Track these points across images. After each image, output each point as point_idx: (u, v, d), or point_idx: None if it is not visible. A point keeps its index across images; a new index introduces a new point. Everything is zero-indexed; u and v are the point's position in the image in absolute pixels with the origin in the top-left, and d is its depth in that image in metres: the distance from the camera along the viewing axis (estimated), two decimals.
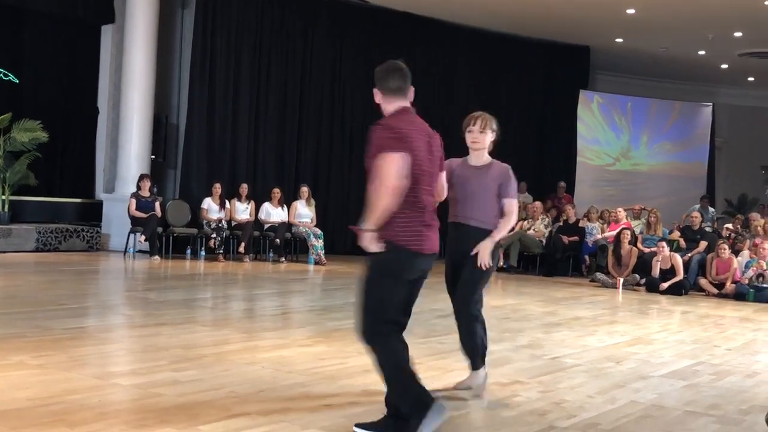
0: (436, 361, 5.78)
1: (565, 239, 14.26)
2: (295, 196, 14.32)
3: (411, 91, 3.94)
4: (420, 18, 16.23)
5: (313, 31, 15.41)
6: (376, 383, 4.95)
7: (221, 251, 13.44)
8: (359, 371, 5.24)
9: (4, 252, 12.20)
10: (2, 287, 8.78)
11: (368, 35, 16.02)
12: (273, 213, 14.00)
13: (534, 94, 18.36)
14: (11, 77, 12.98)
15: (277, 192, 14.07)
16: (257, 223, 13.94)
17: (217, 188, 13.72)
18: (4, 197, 13.03)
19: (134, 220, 13.17)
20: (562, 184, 17.27)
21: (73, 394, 4.36)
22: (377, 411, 4.10)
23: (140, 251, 13.30)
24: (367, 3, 15.61)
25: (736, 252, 12.61)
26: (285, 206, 14.12)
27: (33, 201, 13.75)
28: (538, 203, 15.24)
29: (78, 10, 14.01)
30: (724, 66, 18.97)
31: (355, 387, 4.88)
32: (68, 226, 13.66)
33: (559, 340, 7.19)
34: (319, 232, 13.90)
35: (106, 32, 14.66)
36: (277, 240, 13.70)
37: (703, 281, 12.45)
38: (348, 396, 4.67)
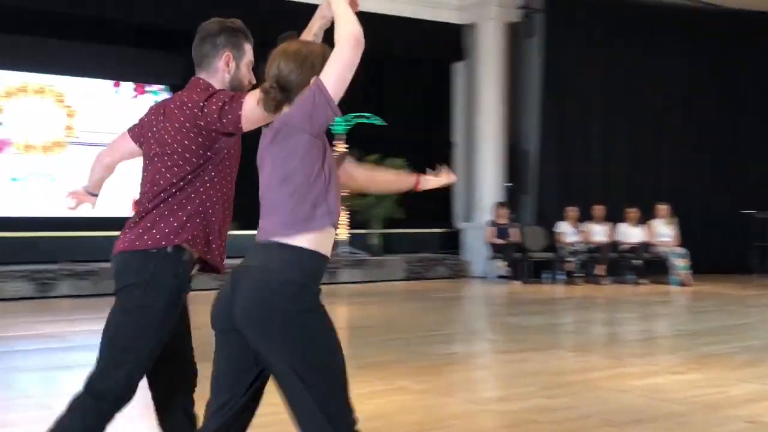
0: None
1: None
2: (654, 215, 13.79)
3: (213, 63, 3.02)
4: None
5: (659, 41, 14.80)
6: (766, 413, 4.59)
7: (580, 274, 13.33)
8: (743, 400, 4.88)
9: (378, 281, 13.09)
10: (379, 315, 9.36)
11: (725, 46, 15.04)
12: (631, 233, 13.60)
13: None
14: (377, 120, 13.91)
15: (633, 211, 13.66)
16: (615, 244, 13.62)
17: (572, 211, 13.65)
18: (377, 231, 14.02)
19: (493, 247, 13.52)
20: None
21: (453, 419, 4.51)
22: None
23: (500, 276, 13.58)
24: (720, 7, 14.69)
25: None
26: (643, 225, 13.66)
27: (400, 233, 14.60)
28: None
29: (430, 52, 14.81)
30: None
31: (739, 418, 4.54)
32: (432, 255, 14.34)
33: None
34: (681, 251, 13.24)
35: (457, 69, 15.32)
36: (637, 261, 13.28)
37: None
38: (733, 427, 4.36)
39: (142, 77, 13.40)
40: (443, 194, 15.29)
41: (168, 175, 2.83)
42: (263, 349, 2.41)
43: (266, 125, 2.68)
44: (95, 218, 12.73)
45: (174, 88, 13.52)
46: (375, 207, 13.85)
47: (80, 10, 11.64)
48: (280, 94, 2.55)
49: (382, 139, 14.26)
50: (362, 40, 2.61)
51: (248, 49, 3.05)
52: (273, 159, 2.59)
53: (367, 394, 5.14)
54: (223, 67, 2.95)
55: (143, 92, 13.48)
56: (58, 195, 12.69)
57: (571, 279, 13.36)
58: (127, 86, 13.35)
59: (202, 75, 2.96)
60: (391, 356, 6.43)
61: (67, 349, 7.03)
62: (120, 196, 13.12)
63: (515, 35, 14.84)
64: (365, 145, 13.82)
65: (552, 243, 13.74)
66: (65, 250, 11.80)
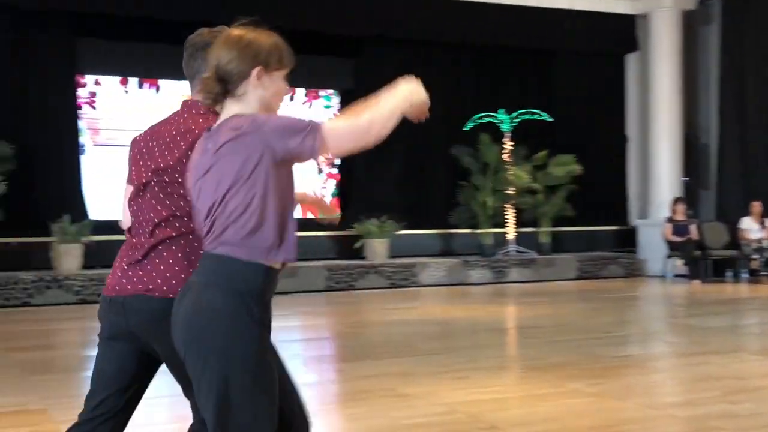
0: None
1: None
2: None
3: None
4: None
5: None
6: None
7: (765, 273, 12.68)
8: None
9: (548, 281, 12.94)
10: (550, 315, 9.24)
11: None
12: (753, 229, 12.83)
13: None
14: (545, 116, 13.76)
15: (757, 204, 12.88)
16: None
17: (756, 206, 12.99)
18: (545, 229, 13.86)
19: (671, 245, 13.06)
20: None
21: (630, 423, 4.40)
22: None
23: (678, 276, 13.11)
24: None
25: None
26: (763, 221, 12.87)
27: (571, 231, 14.38)
28: None
29: (602, 44, 14.51)
30: None
31: None
32: (605, 253, 14.03)
33: None
34: None
35: (630, 61, 14.93)
36: (756, 258, 12.53)
37: None
38: None
39: (314, 83, 13.80)
40: (617, 190, 14.95)
41: None
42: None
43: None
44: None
45: (344, 93, 13.87)
46: (543, 205, 13.69)
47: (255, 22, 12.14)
48: (218, 86, 2.27)
49: (551, 135, 14.09)
50: (382, 137, 2.26)
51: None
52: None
53: (537, 397, 5.12)
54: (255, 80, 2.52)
55: (317, 98, 13.89)
56: None
57: (755, 278, 12.74)
58: (300, 93, 13.79)
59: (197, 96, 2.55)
60: (562, 358, 6.34)
61: None
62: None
63: (691, 24, 14.31)
64: (533, 142, 13.72)
65: (734, 240, 13.13)
66: None
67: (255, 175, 2.17)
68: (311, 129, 2.16)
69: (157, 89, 13.01)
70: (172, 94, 13.04)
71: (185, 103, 2.62)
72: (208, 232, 2.25)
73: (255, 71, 2.26)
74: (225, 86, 2.27)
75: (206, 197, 2.25)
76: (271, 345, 2.30)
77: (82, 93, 12.45)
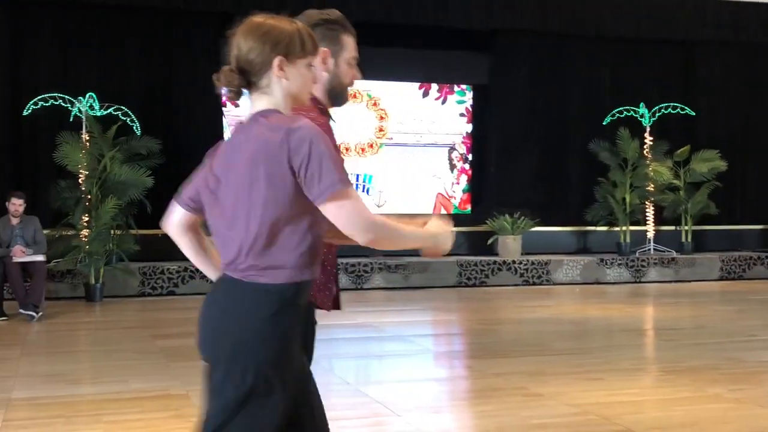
0: None
1: None
2: None
3: None
4: None
5: None
6: None
7: None
8: None
9: (689, 281, 12.53)
10: (691, 317, 8.98)
11: None
12: None
13: None
14: (688, 110, 13.32)
15: None
16: None
17: None
18: (687, 227, 13.42)
19: None
20: None
21: None
22: None
23: None
24: None
25: None
26: None
27: (714, 230, 13.87)
28: None
29: (748, 34, 13.94)
30: None
31: None
32: (751, 253, 13.46)
33: None
34: None
35: None
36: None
37: None
38: None
39: (447, 78, 13.81)
40: (765, 187, 14.32)
41: None
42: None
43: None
44: (404, 214, 13.39)
45: (478, 88, 13.82)
46: (685, 202, 13.25)
47: (391, 19, 12.27)
48: (240, 78, 2.10)
49: (694, 130, 13.65)
50: (374, 244, 2.04)
51: (349, 43, 2.61)
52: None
53: (676, 400, 4.98)
54: (320, 65, 2.48)
55: (452, 93, 13.89)
56: (373, 192, 13.48)
57: None
58: (434, 88, 13.82)
59: None
60: (704, 361, 6.14)
61: (380, 339, 7.47)
62: (423, 193, 13.68)
63: None
64: (674, 136, 13.31)
65: None
66: None
67: (287, 201, 2.01)
68: (333, 182, 1.98)
69: None
70: None
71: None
72: (239, 248, 2.06)
73: (276, 61, 2.09)
74: (247, 78, 2.11)
75: (234, 204, 2.08)
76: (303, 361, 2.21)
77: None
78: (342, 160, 2.09)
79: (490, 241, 12.59)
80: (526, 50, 13.45)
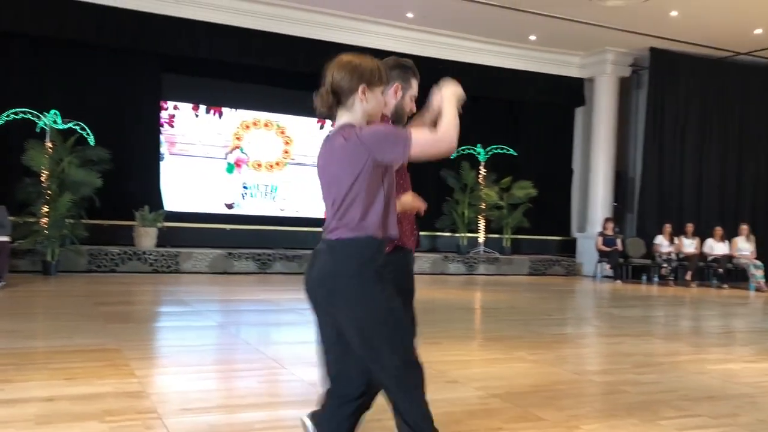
0: None
1: None
2: (736, 233, 12.86)
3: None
4: None
5: (750, 93, 13.78)
6: None
7: (671, 278, 12.64)
8: None
9: (507, 275, 12.91)
10: (507, 300, 9.23)
11: None
12: (716, 247, 12.75)
13: None
14: (511, 151, 13.74)
15: (719, 230, 12.81)
16: (702, 255, 12.80)
17: (668, 227, 12.96)
18: (507, 236, 13.84)
19: (601, 253, 13.02)
20: None
21: (560, 384, 4.38)
22: None
23: (605, 276, 13.07)
24: None
25: None
26: (727, 241, 12.77)
27: (526, 238, 14.35)
28: None
29: (557, 98, 14.47)
30: None
31: None
32: (551, 256, 14.00)
33: None
34: (759, 263, 12.29)
35: (578, 112, 14.90)
36: (720, 269, 12.44)
37: None
38: None
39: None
40: (563, 209, 14.90)
41: None
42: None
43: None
44: (300, 218, 13.26)
45: None
46: (507, 217, 13.67)
47: (296, 68, 12.17)
48: (332, 98, 2.25)
49: (515, 165, 14.08)
50: (454, 145, 2.20)
51: (414, 85, 2.77)
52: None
53: (491, 360, 5.10)
54: (392, 96, 2.67)
55: None
56: (278, 199, 13.30)
57: (663, 281, 12.69)
58: (328, 123, 13.78)
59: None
60: (514, 332, 6.32)
61: (278, 311, 7.36)
62: (317, 202, 13.60)
63: (625, 87, 14.27)
64: (501, 169, 13.71)
65: (649, 252, 13.09)
66: (279, 240, 12.38)
67: (363, 174, 2.16)
68: (402, 140, 2.14)
69: (220, 115, 13.03)
70: (231, 119, 13.08)
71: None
72: (332, 217, 2.24)
73: (361, 87, 2.23)
74: (338, 98, 2.24)
75: (329, 191, 2.26)
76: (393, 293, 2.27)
77: (163, 115, 12.48)
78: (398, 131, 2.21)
79: None
80: None
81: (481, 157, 13.65)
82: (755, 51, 13.16)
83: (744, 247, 12.64)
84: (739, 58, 13.54)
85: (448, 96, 2.32)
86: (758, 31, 11.96)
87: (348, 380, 2.33)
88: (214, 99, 12.82)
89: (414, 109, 2.78)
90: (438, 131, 2.19)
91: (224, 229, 12.15)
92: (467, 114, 10.91)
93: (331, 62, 2.28)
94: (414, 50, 12.85)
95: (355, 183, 2.17)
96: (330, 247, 2.23)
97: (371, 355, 2.21)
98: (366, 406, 2.42)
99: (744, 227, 12.78)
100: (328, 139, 2.28)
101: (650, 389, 4.33)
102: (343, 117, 2.27)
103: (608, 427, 3.49)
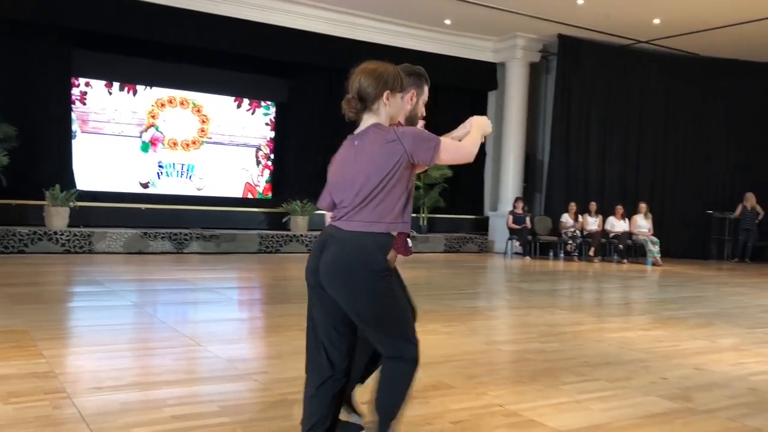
0: (760, 349, 5.06)
1: None
2: (636, 211, 13.50)
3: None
4: (740, 62, 14.42)
5: (649, 80, 14.42)
6: (710, 363, 4.48)
7: (576, 254, 13.15)
8: (692, 353, 4.76)
9: (424, 252, 13.09)
10: (424, 276, 9.35)
11: (694, 82, 14.59)
12: (617, 225, 13.34)
13: None
14: None
15: (620, 208, 13.41)
16: (604, 232, 13.38)
17: (573, 206, 13.45)
18: (423, 215, 14.01)
19: (511, 231, 13.38)
20: None
21: (471, 354, 4.50)
22: (703, 386, 3.68)
23: (516, 253, 13.46)
24: (696, 54, 14.27)
25: None
26: (627, 219, 13.39)
27: (442, 218, 14.58)
28: None
29: (471, 82, 14.69)
30: None
31: (688, 365, 4.44)
32: (465, 234, 14.28)
33: None
34: (655, 239, 12.95)
35: (491, 96, 15.18)
36: (620, 245, 13.04)
37: None
38: (682, 372, 4.26)
39: (257, 96, 13.57)
40: (476, 190, 15.21)
41: None
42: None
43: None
44: (217, 197, 13.00)
45: (280, 105, 13.65)
46: (423, 197, 13.83)
47: (214, 45, 11.84)
48: (360, 104, 2.39)
49: None
50: (471, 158, 2.45)
51: (426, 90, 2.88)
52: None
53: None
54: (408, 101, 2.76)
55: (259, 107, 13.64)
56: (194, 178, 12.98)
57: (569, 257, 13.18)
58: (246, 102, 13.53)
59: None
60: (429, 306, 6.42)
61: (194, 290, 7.21)
62: (235, 182, 13.35)
63: (535, 72, 14.64)
64: None
65: (556, 229, 13.56)
66: (195, 220, 12.10)
67: (398, 172, 2.28)
68: (435, 143, 2.32)
69: (134, 93, 12.56)
70: (144, 96, 12.63)
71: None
72: (353, 209, 2.31)
73: (385, 93, 2.37)
74: (365, 104, 2.38)
75: (351, 185, 2.32)
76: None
77: (75, 92, 11.91)
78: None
79: (284, 220, 12.52)
80: (317, 79, 13.45)
81: None
82: (654, 39, 13.76)
83: (642, 224, 13.28)
84: (640, 45, 14.12)
85: (478, 122, 2.58)
86: (657, 20, 12.50)
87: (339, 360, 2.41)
88: (127, 76, 12.34)
89: (424, 113, 2.91)
90: (464, 144, 2.45)
91: (139, 208, 11.77)
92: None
93: (356, 69, 2.41)
94: (330, 30, 12.78)
95: (385, 179, 2.28)
96: (346, 238, 2.30)
97: (378, 334, 2.36)
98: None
99: (642, 206, 13.42)
100: (357, 138, 2.39)
101: (554, 357, 4.51)
102: (370, 119, 2.40)
103: (514, 393, 3.61)
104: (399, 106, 2.43)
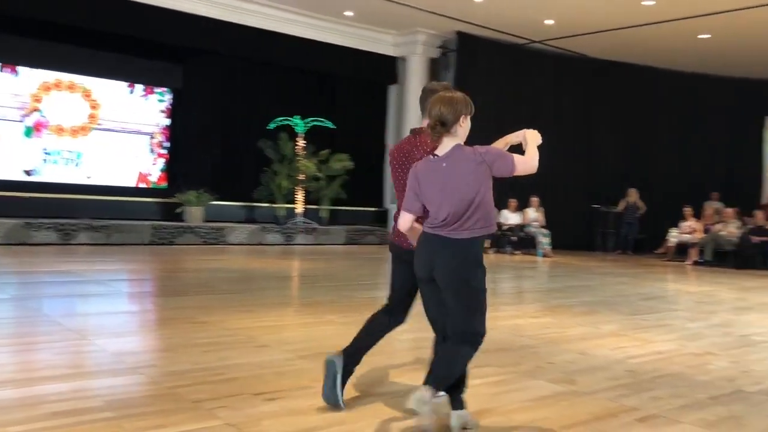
0: (638, 334, 5.40)
1: (755, 239, 12.76)
2: (528, 204, 14.04)
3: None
4: (624, 65, 15.28)
5: (542, 78, 14.99)
6: (593, 348, 4.72)
7: (511, 249, 13.55)
8: (577, 338, 5.01)
9: (324, 245, 13.07)
10: (324, 268, 9.35)
11: (582, 82, 15.32)
12: (510, 217, 13.83)
13: (724, 121, 16.50)
14: (329, 124, 13.85)
15: (513, 201, 13.89)
16: (498, 224, 13.84)
17: (512, 202, 13.84)
18: (325, 207, 13.98)
19: None
20: None
21: None
22: (586, 370, 3.89)
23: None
24: (585, 56, 14.98)
25: None
26: (519, 212, 13.90)
27: (343, 210, 14.59)
28: (730, 209, 13.78)
29: (372, 75, 14.76)
30: None
31: (573, 350, 4.67)
32: (366, 227, 14.36)
33: (748, 321, 6.43)
34: (546, 231, 13.52)
35: (392, 90, 15.30)
36: (513, 237, 13.52)
37: None
38: (567, 356, 4.48)
39: (151, 81, 13.06)
40: (377, 182, 15.31)
41: None
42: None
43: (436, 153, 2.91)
44: (107, 186, 12.44)
45: (175, 91, 13.21)
46: (324, 189, 13.79)
47: (105, 27, 11.29)
48: (442, 128, 2.83)
49: (333, 138, 14.21)
50: (535, 169, 2.95)
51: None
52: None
53: (303, 324, 5.15)
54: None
55: (152, 92, 13.15)
56: (82, 166, 12.35)
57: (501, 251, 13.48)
58: (139, 87, 13.00)
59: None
60: (327, 298, 6.42)
61: (82, 282, 6.87)
62: (127, 170, 12.83)
63: (435, 67, 14.88)
64: (319, 142, 13.79)
65: None
66: (84, 209, 11.54)
67: (486, 186, 2.82)
68: (510, 159, 2.84)
69: (16, 73, 11.78)
70: (27, 78, 11.89)
71: (414, 130, 3.24)
72: (457, 221, 2.81)
73: (461, 118, 2.87)
74: (446, 128, 2.84)
75: (449, 199, 2.80)
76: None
77: None
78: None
79: (178, 210, 12.15)
80: (214, 66, 13.11)
81: (300, 129, 13.61)
82: (547, 40, 14.34)
83: (534, 217, 13.83)
84: (534, 45, 14.67)
85: (532, 136, 3.03)
86: (549, 21, 13.02)
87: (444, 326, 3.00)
88: (8, 56, 11.56)
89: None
90: (527, 158, 2.94)
91: (22, 197, 11.07)
92: (285, 85, 10.82)
93: (436, 98, 2.88)
94: (231, 17, 12.49)
95: (479, 193, 2.80)
96: (453, 243, 2.82)
97: (466, 311, 2.85)
98: None
99: (534, 199, 13.96)
100: (444, 159, 2.85)
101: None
102: (451, 141, 2.87)
103: (411, 380, 3.67)
104: (467, 126, 2.91)
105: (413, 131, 3.24)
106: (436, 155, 2.88)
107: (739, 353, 4.87)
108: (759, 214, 13.37)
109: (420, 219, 2.97)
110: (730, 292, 8.81)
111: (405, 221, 2.97)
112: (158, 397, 3.15)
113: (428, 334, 3.32)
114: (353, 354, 3.31)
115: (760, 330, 5.91)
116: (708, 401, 3.58)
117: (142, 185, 12.98)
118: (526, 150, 2.98)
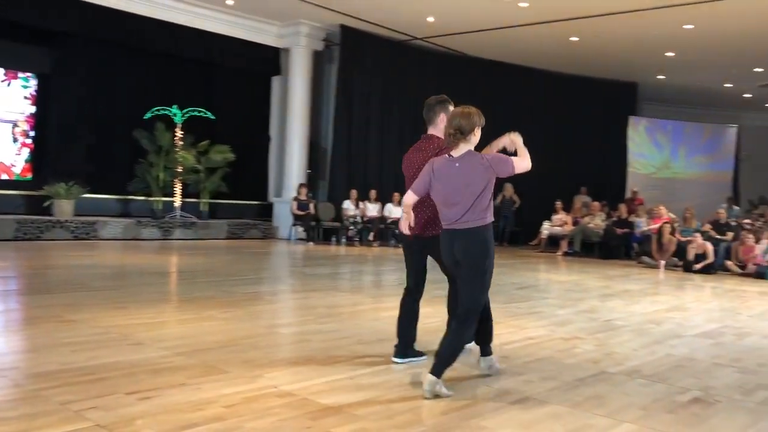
0: (512, 321, 5.66)
1: (618, 231, 13.70)
2: (390, 199, 14.28)
3: (435, 120, 4.02)
4: (501, 64, 15.91)
5: (425, 75, 15.31)
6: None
7: (357, 239, 13.62)
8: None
9: (205, 239, 12.72)
10: (203, 263, 9.10)
11: (464, 81, 15.80)
12: (394, 211, 14.02)
13: (594, 120, 17.59)
14: (209, 114, 13.49)
15: (397, 195, 14.11)
16: (383, 218, 14.02)
17: (354, 193, 13.90)
18: (204, 200, 13.59)
19: (295, 217, 13.50)
20: (636, 189, 16.37)
21: (248, 339, 4.47)
22: (465, 357, 4.02)
23: (299, 239, 13.60)
24: (466, 54, 15.45)
25: (757, 240, 11.81)
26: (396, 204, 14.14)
27: (224, 203, 14.27)
28: (596, 203, 14.71)
29: (255, 65, 14.50)
30: (747, 95, 17.81)
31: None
32: (249, 221, 14.12)
33: (611, 307, 6.91)
34: None
35: (275, 81, 15.11)
36: (398, 231, 13.75)
37: (729, 263, 11.71)
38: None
39: (14, 65, 12.15)
40: (260, 175, 15.09)
41: None
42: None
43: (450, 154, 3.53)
44: None
45: (42, 77, 12.38)
46: (204, 181, 13.41)
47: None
48: (460, 135, 3.44)
49: (213, 129, 13.85)
50: (529, 169, 3.50)
51: (450, 108, 3.88)
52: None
53: (181, 321, 5.00)
54: (440, 123, 3.93)
55: (15, 78, 12.23)
56: None
57: (350, 242, 13.60)
58: (0, 72, 12.06)
59: (432, 131, 4.02)
60: (207, 293, 6.27)
61: None
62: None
63: (319, 60, 14.83)
64: (198, 132, 13.39)
65: (338, 215, 13.92)
66: None
67: (489, 184, 3.45)
68: (510, 163, 3.46)
69: None
70: None
71: (426, 135, 4.06)
72: (464, 213, 3.43)
73: (476, 128, 3.49)
74: (463, 136, 3.46)
75: (462, 195, 3.43)
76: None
77: None
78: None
79: (46, 204, 11.41)
80: (84, 50, 12.40)
81: (178, 119, 13.15)
82: (428, 37, 14.66)
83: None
84: (417, 42, 14.95)
85: (520, 142, 3.60)
86: (431, 19, 13.31)
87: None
88: None
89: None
90: (522, 159, 3.51)
91: None
92: (163, 73, 10.47)
93: (455, 112, 3.52)
94: (107, 2, 11.87)
95: (484, 190, 3.43)
96: (468, 233, 3.45)
97: (474, 286, 3.48)
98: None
99: (396, 195, 14.26)
100: (458, 161, 3.48)
101: (331, 336, 4.65)
102: (465, 147, 3.49)
103: (290, 374, 3.66)
104: (479, 135, 3.51)
105: (424, 137, 4.03)
106: (452, 156, 3.50)
107: (604, 337, 5.22)
108: (622, 208, 14.36)
109: (416, 209, 3.80)
110: (596, 280, 9.41)
111: (408, 198, 3.66)
112: (22, 401, 2.96)
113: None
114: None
115: (621, 315, 6.36)
116: (575, 383, 3.81)
117: (5, 176, 12.08)
118: (518, 152, 3.56)
